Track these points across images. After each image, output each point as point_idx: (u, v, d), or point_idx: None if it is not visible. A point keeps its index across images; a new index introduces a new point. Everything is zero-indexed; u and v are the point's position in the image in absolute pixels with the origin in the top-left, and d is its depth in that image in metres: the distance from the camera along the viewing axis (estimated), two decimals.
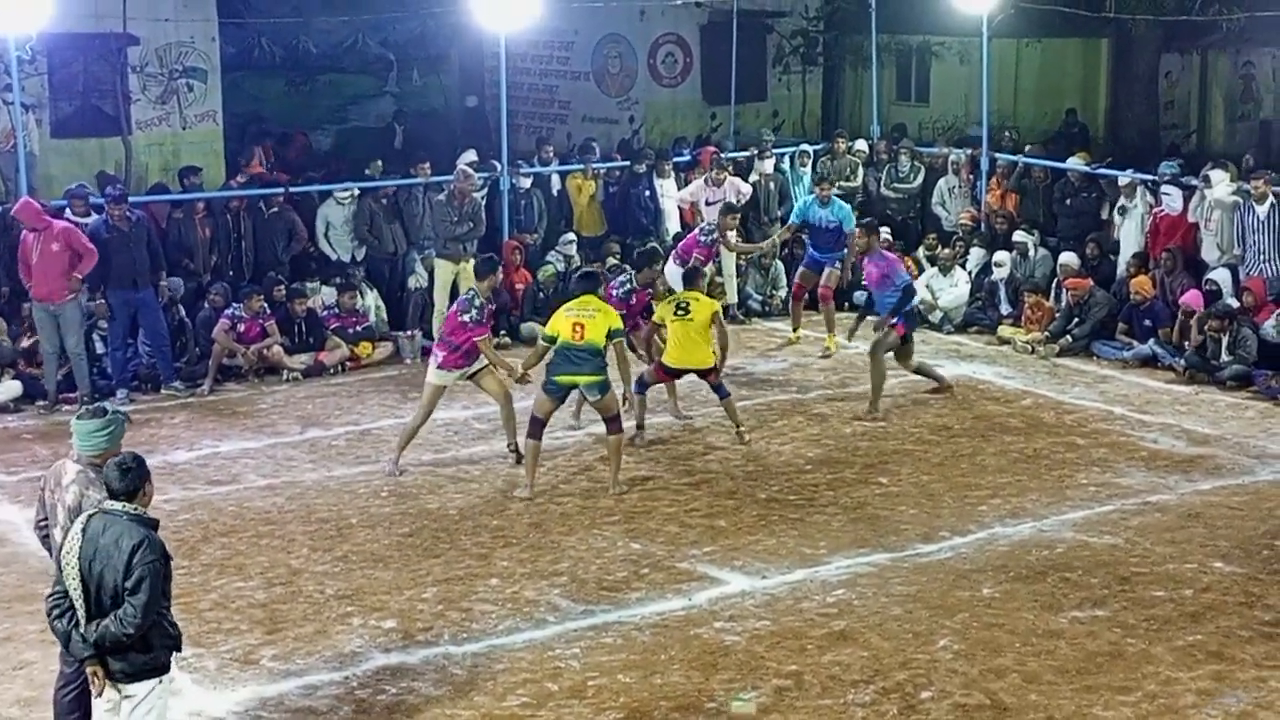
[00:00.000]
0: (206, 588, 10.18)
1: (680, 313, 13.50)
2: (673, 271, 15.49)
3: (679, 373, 13.74)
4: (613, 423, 12.27)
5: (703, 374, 13.66)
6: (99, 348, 15.51)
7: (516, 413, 12.79)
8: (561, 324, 12.13)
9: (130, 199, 15.67)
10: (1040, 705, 8.37)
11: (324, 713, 8.45)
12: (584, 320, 12.07)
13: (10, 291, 15.35)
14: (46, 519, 7.62)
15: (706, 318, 13.54)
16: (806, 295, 17.08)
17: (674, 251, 16.49)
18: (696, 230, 16.90)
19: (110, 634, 6.69)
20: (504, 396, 12.87)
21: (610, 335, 12.08)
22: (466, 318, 12.53)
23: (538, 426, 12.16)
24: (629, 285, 14.15)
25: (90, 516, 6.86)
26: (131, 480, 6.90)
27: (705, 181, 18.41)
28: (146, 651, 6.82)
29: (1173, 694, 8.49)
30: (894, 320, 14.27)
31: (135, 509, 6.86)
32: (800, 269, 17.23)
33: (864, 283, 15.37)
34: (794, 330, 17.23)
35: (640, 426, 13.44)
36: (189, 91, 20.91)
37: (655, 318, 13.93)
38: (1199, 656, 8.97)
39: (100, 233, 14.92)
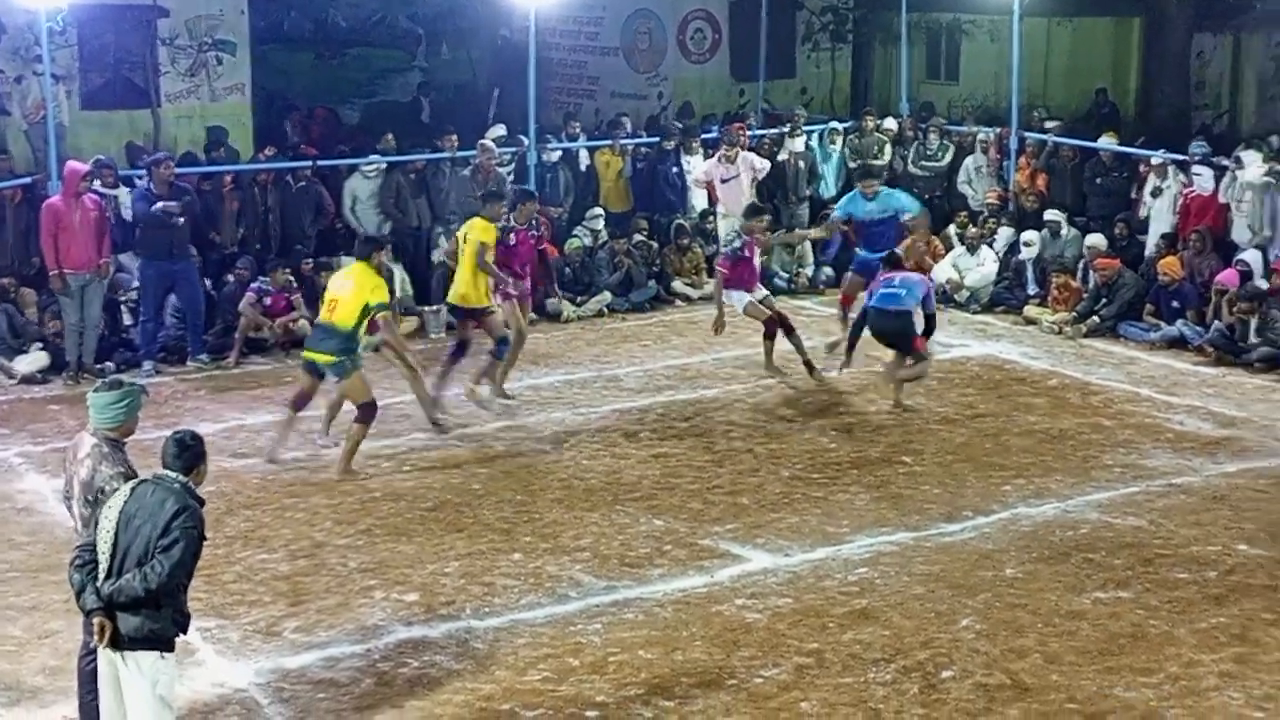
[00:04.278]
0: (230, 559, 10.23)
1: (461, 244, 13.28)
2: (737, 297, 14.53)
3: (461, 313, 13.40)
4: (363, 409, 11.85)
5: (475, 316, 13.36)
6: (126, 319, 15.58)
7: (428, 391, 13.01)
8: (326, 294, 12.00)
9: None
10: (1062, 686, 8.35)
11: (345, 685, 8.48)
12: (338, 295, 11.76)
13: (42, 262, 15.41)
14: None
15: (472, 249, 13.07)
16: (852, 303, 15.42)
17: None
18: (722, 245, 16.05)
19: (130, 588, 6.69)
20: (411, 373, 12.74)
21: (365, 312, 11.64)
22: None
23: (299, 400, 12.16)
24: (505, 225, 13.76)
25: (143, 480, 6.92)
26: (189, 458, 6.96)
27: (718, 159, 17.68)
28: (156, 615, 6.79)
29: (1195, 676, 8.47)
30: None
31: (188, 482, 6.92)
32: (851, 276, 15.67)
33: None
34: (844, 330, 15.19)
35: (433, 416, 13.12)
36: (218, 64, 20.96)
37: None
38: (1222, 639, 8.94)
39: (141, 202, 14.95)
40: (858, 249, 15.70)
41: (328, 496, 11.50)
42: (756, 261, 14.81)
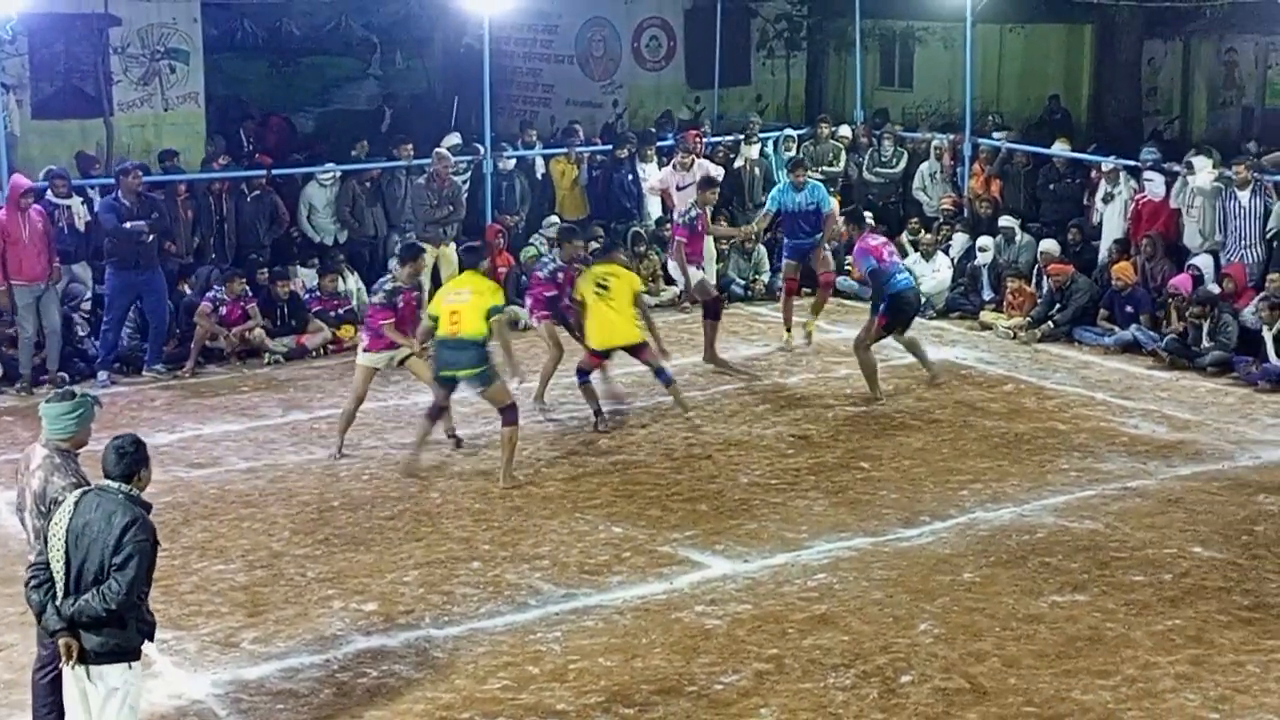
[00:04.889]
0: (187, 570, 10.17)
1: (600, 290, 13.26)
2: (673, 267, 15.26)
3: (608, 353, 13.51)
4: (507, 412, 11.94)
5: (633, 351, 13.49)
6: (80, 330, 15.46)
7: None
8: (440, 308, 11.91)
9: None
10: (1019, 689, 8.40)
11: (305, 695, 8.45)
12: (459, 306, 11.74)
13: None
14: None
15: (627, 293, 13.30)
16: (799, 288, 16.41)
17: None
18: (676, 215, 16.53)
19: (90, 608, 6.67)
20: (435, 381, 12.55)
21: (489, 314, 11.72)
22: (374, 300, 12.56)
23: (435, 411, 12.14)
24: (554, 264, 13.98)
25: (85, 493, 6.87)
26: (128, 464, 6.90)
27: (674, 167, 17.47)
28: (120, 631, 6.78)
29: (1151, 678, 8.53)
30: None
31: (131, 490, 6.86)
32: (785, 262, 16.45)
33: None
34: (787, 330, 16.24)
35: (598, 414, 13.34)
36: (171, 73, 20.84)
37: (576, 294, 13.58)
38: (1178, 641, 9.00)
39: (109, 213, 14.83)
40: (785, 237, 16.47)
41: (285, 506, 11.45)
42: (709, 238, 15.60)
